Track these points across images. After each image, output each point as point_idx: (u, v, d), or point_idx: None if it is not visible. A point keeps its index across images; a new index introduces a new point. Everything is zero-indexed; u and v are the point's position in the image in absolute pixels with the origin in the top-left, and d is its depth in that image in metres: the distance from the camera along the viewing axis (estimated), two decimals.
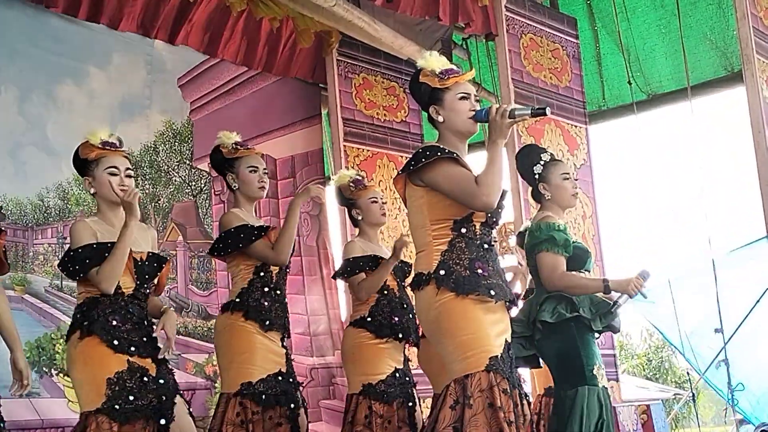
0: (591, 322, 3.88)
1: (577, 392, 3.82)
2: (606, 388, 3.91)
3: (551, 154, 4.21)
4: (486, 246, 3.28)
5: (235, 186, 4.29)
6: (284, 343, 4.25)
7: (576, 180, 4.18)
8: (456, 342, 3.16)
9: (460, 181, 3.16)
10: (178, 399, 3.65)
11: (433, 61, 3.34)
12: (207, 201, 6.93)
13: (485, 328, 3.17)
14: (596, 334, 3.96)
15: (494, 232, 5.40)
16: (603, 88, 8.30)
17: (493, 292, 3.19)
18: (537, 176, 4.12)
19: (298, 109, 7.78)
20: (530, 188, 4.25)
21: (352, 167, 7.08)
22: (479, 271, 3.20)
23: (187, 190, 6.79)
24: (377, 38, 7.36)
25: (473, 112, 3.27)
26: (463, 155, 3.29)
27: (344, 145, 7.52)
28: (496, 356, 3.14)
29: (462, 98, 3.29)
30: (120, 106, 6.33)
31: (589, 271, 4.06)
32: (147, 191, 6.48)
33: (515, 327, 3.91)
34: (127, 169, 3.68)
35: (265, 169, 4.34)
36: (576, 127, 7.49)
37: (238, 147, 4.31)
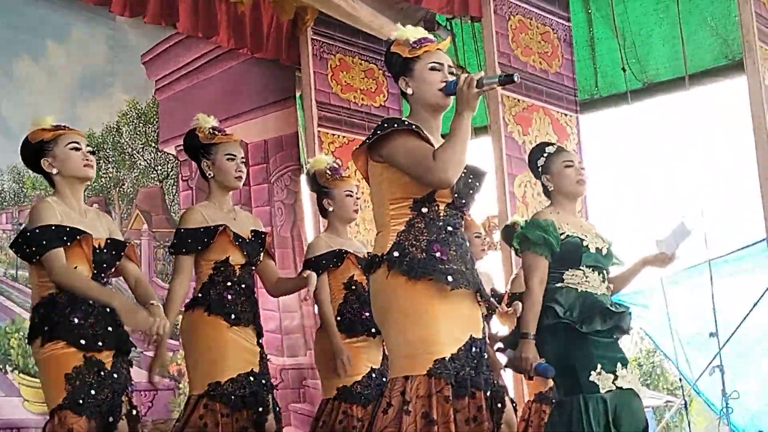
0: (578, 326, 3.88)
1: (572, 400, 3.86)
2: (626, 390, 3.88)
3: (558, 147, 4.28)
4: (450, 229, 3.21)
5: (210, 174, 4.33)
6: (259, 341, 4.29)
7: (583, 168, 4.22)
8: (403, 336, 3.11)
9: (416, 154, 3.11)
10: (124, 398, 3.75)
11: (408, 31, 3.31)
12: (174, 187, 6.95)
13: (436, 323, 3.09)
14: (605, 335, 3.95)
15: (487, 224, 5.40)
16: (596, 75, 8.34)
17: (450, 278, 3.09)
18: (540, 168, 4.20)
19: (271, 90, 7.81)
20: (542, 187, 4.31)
21: (327, 154, 7.12)
22: (437, 254, 3.12)
23: (152, 175, 6.82)
24: (355, 16, 7.39)
25: (444, 84, 3.22)
26: (435, 132, 3.26)
27: (318, 131, 7.57)
28: (443, 358, 3.06)
29: (433, 68, 3.25)
30: (80, 84, 6.36)
31: (591, 267, 4.04)
32: (110, 175, 6.51)
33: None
34: (89, 146, 3.81)
35: (243, 157, 4.38)
36: (566, 115, 7.56)
37: (216, 132, 4.35)
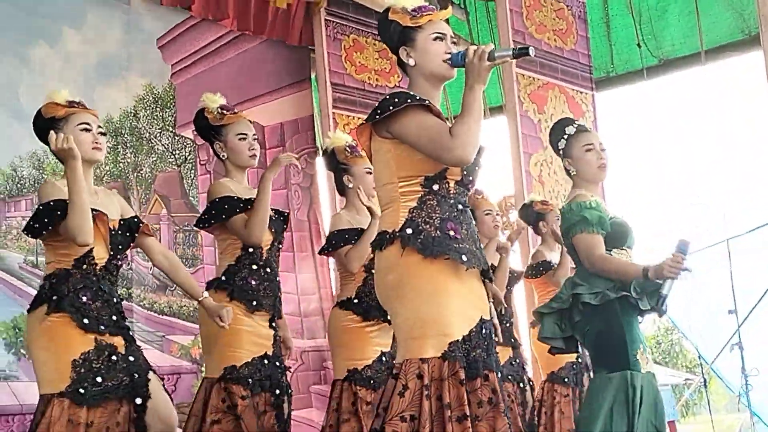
0: (638, 302, 3.82)
1: (620, 376, 3.80)
2: (652, 373, 3.88)
3: (579, 126, 4.18)
4: (460, 206, 3.13)
5: (223, 155, 4.32)
6: (273, 324, 4.28)
7: (603, 150, 4.11)
8: (415, 315, 3.01)
9: (432, 131, 3.00)
10: (151, 375, 3.71)
11: None
12: (192, 171, 6.96)
13: (450, 304, 3.02)
14: (639, 317, 3.92)
15: (503, 204, 5.37)
16: (611, 51, 8.32)
17: (465, 258, 3.03)
18: (561, 152, 4.12)
19: (286, 72, 7.78)
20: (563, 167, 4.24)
21: None
22: (451, 232, 3.04)
23: (170, 159, 6.83)
24: None
25: (449, 55, 3.11)
26: (437, 103, 3.15)
27: (333, 112, 7.57)
28: (457, 341, 3.00)
29: (437, 38, 3.13)
30: (96, 69, 6.36)
31: (631, 248, 4.05)
32: (128, 160, 6.51)
33: (553, 303, 4.01)
34: (99, 126, 3.73)
35: (255, 135, 4.36)
36: (582, 93, 7.53)
37: (224, 112, 4.32)
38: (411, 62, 3.15)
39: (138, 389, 3.62)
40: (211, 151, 4.48)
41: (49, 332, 3.55)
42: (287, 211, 4.46)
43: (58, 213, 3.50)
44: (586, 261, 3.91)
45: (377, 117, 3.06)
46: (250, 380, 4.10)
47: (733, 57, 7.93)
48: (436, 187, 3.09)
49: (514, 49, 3.05)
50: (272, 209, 4.33)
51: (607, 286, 3.85)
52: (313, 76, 8.02)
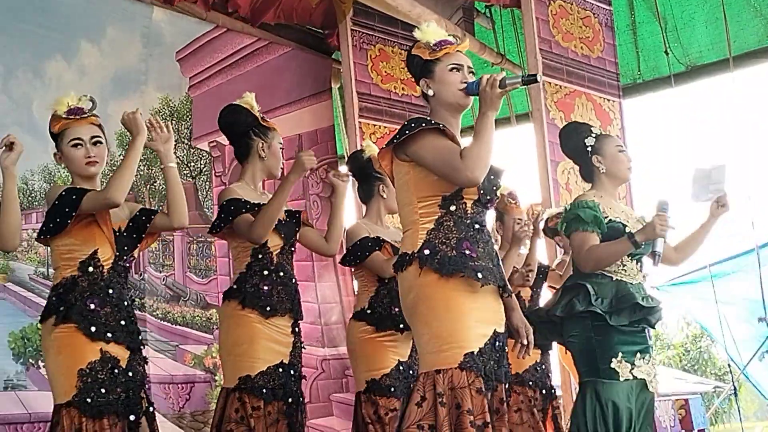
0: (607, 317, 3.77)
1: (590, 384, 3.78)
2: (641, 379, 3.79)
3: (601, 130, 4.18)
4: (477, 226, 3.21)
5: (263, 156, 4.17)
6: (296, 329, 4.10)
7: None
8: (431, 332, 3.10)
9: (444, 153, 3.10)
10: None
11: (429, 32, 3.31)
12: (207, 183, 6.76)
13: (465, 319, 3.10)
14: (630, 324, 3.81)
15: (530, 212, 5.34)
16: (638, 59, 8.05)
17: (480, 275, 3.10)
18: (590, 148, 4.06)
19: (305, 83, 7.59)
20: (578, 167, 4.18)
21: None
22: (467, 251, 3.12)
23: (185, 171, 6.60)
24: (393, 6, 7.10)
25: (464, 84, 3.23)
26: (456, 131, 3.24)
27: (359, 122, 7.37)
28: (472, 352, 3.06)
29: (453, 69, 3.25)
30: (112, 83, 6.13)
31: (634, 256, 3.91)
32: (142, 173, 6.29)
33: (541, 312, 4.08)
34: (94, 137, 3.58)
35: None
36: (609, 101, 7.25)
37: (266, 120, 4.27)
38: (430, 92, 3.28)
39: (132, 406, 3.52)
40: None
41: (57, 343, 3.47)
42: (300, 211, 4.28)
43: (67, 210, 3.42)
44: (578, 260, 3.89)
45: (395, 141, 3.18)
46: (264, 390, 3.94)
47: (762, 63, 7.62)
48: (453, 207, 3.17)
49: (522, 75, 3.16)
50: (285, 211, 4.16)
51: (578, 299, 3.81)
52: (337, 86, 7.83)
